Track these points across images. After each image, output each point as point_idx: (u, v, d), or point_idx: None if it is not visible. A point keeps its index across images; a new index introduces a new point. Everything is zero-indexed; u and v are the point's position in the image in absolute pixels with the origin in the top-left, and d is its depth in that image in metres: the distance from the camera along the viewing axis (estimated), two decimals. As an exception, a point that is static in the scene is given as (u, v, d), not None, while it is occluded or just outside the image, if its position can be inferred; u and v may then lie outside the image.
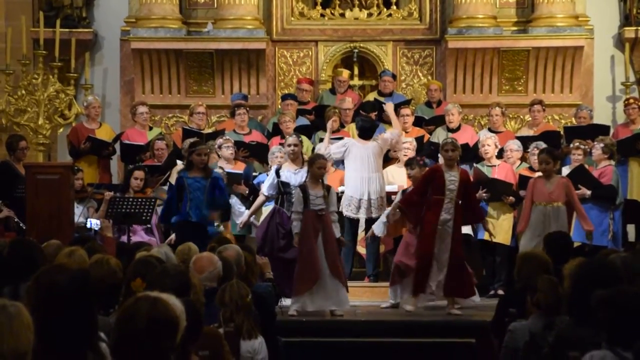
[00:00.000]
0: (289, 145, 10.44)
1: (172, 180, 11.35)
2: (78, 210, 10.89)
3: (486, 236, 10.62)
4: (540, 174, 10.35)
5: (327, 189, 9.53)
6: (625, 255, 5.70)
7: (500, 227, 11.20)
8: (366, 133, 10.92)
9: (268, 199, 10.42)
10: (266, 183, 10.41)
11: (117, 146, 12.42)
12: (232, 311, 5.97)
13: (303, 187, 9.46)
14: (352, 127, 12.10)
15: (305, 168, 9.89)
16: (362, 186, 10.61)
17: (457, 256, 9.59)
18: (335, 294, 9.39)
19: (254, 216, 10.73)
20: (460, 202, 9.62)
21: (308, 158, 10.09)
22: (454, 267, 9.55)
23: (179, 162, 11.58)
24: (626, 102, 12.46)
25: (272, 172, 10.44)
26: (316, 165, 9.45)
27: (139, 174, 11.31)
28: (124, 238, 10.85)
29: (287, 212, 10.03)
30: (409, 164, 10.49)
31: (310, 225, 9.37)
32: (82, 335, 3.99)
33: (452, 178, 9.63)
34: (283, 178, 10.22)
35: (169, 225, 10.16)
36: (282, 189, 10.21)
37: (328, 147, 10.73)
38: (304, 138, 12.09)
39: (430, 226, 9.57)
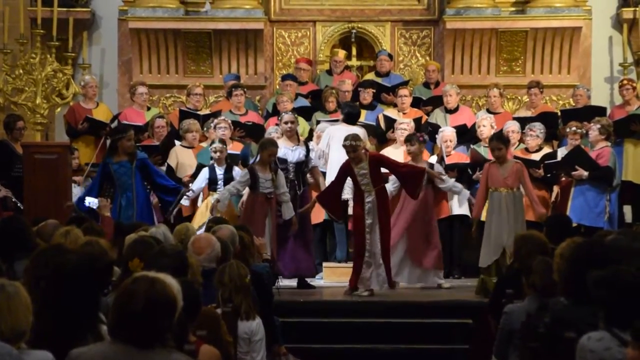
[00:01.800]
0: (286, 123, 10.55)
1: (171, 160, 11.37)
2: (75, 189, 10.89)
3: (483, 217, 10.70)
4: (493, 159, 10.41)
5: (275, 171, 9.93)
6: (620, 237, 5.71)
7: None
8: (350, 118, 10.94)
9: None
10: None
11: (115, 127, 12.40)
12: (231, 291, 5.98)
13: (252, 170, 9.87)
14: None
15: (303, 145, 10.03)
16: None
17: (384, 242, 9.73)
18: None
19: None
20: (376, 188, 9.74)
21: (260, 142, 10.20)
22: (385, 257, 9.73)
23: (177, 142, 11.60)
24: (621, 83, 12.44)
25: None
26: (266, 152, 9.86)
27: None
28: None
29: None
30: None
31: (259, 208, 9.80)
32: (84, 317, 4.01)
33: (362, 171, 9.73)
34: (280, 154, 10.28)
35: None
36: (278, 165, 10.27)
37: (318, 150, 10.86)
38: (301, 119, 12.11)
39: (361, 221, 9.70)
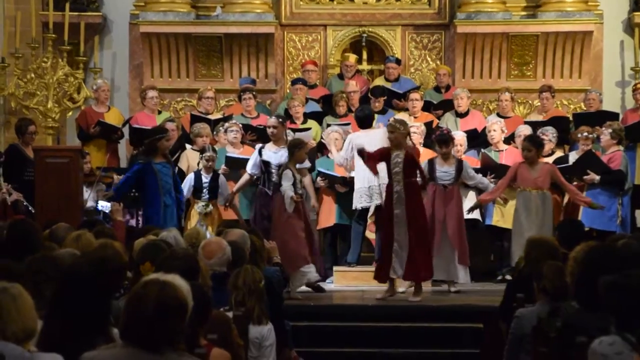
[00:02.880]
0: (269, 127, 10.57)
1: (182, 164, 11.40)
2: (86, 193, 10.92)
3: (494, 221, 10.73)
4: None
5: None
6: (632, 241, 5.69)
7: (508, 213, 11.20)
8: (364, 122, 10.89)
9: (252, 177, 10.60)
10: (250, 162, 10.59)
11: (126, 130, 12.43)
12: (245, 295, 5.99)
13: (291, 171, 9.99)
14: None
15: (286, 148, 10.21)
16: (369, 174, 10.62)
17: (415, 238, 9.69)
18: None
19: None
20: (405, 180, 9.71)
21: (290, 143, 10.20)
22: (412, 250, 9.67)
23: (187, 145, 11.63)
24: (634, 87, 12.42)
25: (255, 152, 10.62)
26: (303, 151, 10.04)
27: (146, 158, 11.33)
28: (133, 222, 10.88)
29: (269, 191, 10.29)
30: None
31: (297, 208, 9.93)
32: (95, 321, 4.02)
33: (397, 160, 9.69)
34: (265, 157, 10.38)
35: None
36: (264, 168, 10.36)
37: (339, 156, 10.81)
38: (314, 124, 12.13)
39: (388, 210, 9.71)
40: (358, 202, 10.65)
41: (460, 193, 10.58)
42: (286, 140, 10.51)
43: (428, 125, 11.86)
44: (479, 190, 10.86)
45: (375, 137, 10.57)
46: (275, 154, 10.39)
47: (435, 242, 10.14)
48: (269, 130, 10.58)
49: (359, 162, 10.54)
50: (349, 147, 10.81)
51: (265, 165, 10.39)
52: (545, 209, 10.04)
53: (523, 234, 9.88)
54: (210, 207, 10.85)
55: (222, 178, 10.90)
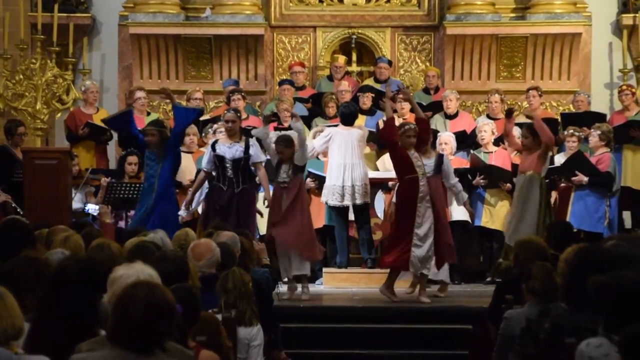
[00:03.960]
0: (227, 121, 10.34)
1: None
2: (75, 195, 10.90)
3: (482, 222, 10.76)
4: None
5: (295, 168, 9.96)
6: (620, 242, 5.70)
7: (497, 214, 11.24)
8: (348, 119, 10.88)
9: (208, 174, 10.34)
10: (204, 158, 10.41)
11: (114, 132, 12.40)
12: (236, 298, 5.99)
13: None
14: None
15: (242, 142, 10.14)
16: (344, 173, 10.62)
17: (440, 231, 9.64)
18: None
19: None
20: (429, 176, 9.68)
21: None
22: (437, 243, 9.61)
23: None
24: (620, 89, 12.45)
25: (208, 147, 10.47)
26: (277, 151, 9.91)
27: (133, 159, 11.35)
28: (122, 224, 10.87)
29: (223, 186, 10.14)
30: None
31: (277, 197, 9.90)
32: (84, 321, 4.01)
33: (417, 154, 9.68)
34: (219, 152, 10.19)
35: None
36: (218, 163, 10.20)
37: (311, 143, 10.82)
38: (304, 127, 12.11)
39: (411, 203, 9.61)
40: (329, 199, 10.69)
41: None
42: (240, 135, 10.35)
43: (417, 126, 11.86)
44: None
45: (353, 136, 10.60)
46: (229, 148, 10.19)
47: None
48: (227, 125, 10.34)
49: (333, 160, 10.57)
50: (322, 140, 10.80)
51: (219, 160, 10.18)
52: (531, 189, 9.98)
53: (512, 218, 9.95)
54: None
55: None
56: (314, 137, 11.22)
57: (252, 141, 10.38)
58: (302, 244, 9.80)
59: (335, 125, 11.44)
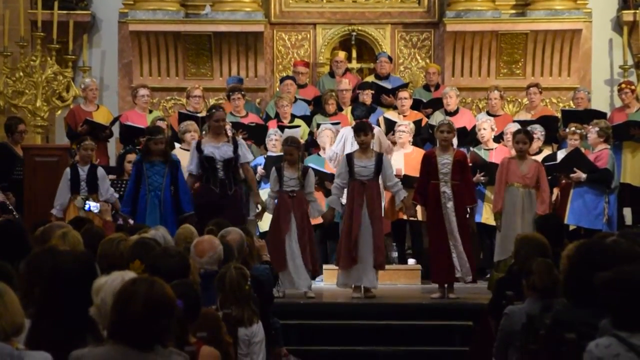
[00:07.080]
0: (216, 120, 10.04)
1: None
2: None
3: (483, 219, 10.75)
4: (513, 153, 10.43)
5: (304, 171, 9.84)
6: (620, 239, 5.69)
7: (497, 211, 11.23)
8: (359, 127, 10.86)
9: (194, 176, 10.08)
10: (192, 161, 10.05)
11: (115, 129, 12.40)
12: (232, 302, 5.97)
13: (278, 168, 9.82)
14: (349, 110, 12.08)
15: (230, 142, 9.99)
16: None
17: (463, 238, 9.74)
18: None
19: None
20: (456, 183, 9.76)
21: (282, 140, 10.15)
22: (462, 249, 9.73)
23: (176, 144, 11.60)
24: (619, 87, 12.40)
25: (192, 149, 10.15)
26: (286, 152, 9.86)
27: (132, 157, 11.31)
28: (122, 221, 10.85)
29: (215, 188, 9.93)
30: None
31: (283, 206, 9.78)
32: (85, 318, 4.01)
33: (445, 161, 9.70)
34: (207, 153, 9.92)
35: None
36: (207, 164, 9.95)
37: (329, 150, 10.90)
38: (301, 122, 12.11)
39: (437, 210, 9.70)
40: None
41: (380, 189, 10.17)
42: (227, 136, 10.18)
43: (417, 123, 11.88)
44: None
45: None
46: (218, 148, 9.93)
47: (357, 246, 9.72)
48: (216, 124, 10.02)
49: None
50: (341, 140, 10.82)
51: (208, 161, 9.91)
52: (532, 208, 10.01)
53: (507, 231, 9.88)
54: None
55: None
56: (323, 139, 11.25)
57: (240, 140, 10.26)
58: (312, 261, 9.87)
59: (336, 123, 11.46)
